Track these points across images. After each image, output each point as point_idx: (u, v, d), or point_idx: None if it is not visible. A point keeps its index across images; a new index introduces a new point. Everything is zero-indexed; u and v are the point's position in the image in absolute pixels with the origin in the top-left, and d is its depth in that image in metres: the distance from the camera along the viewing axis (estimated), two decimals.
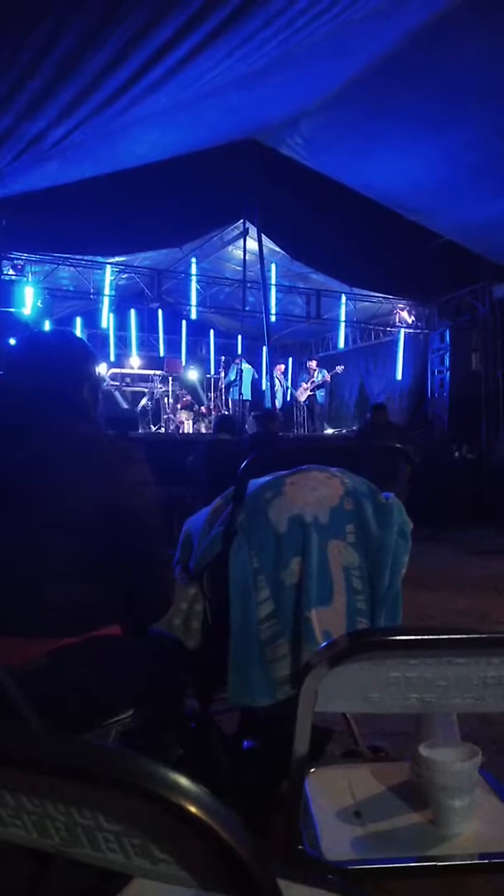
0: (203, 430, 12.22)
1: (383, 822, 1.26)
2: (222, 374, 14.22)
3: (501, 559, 7.10)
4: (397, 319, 13.64)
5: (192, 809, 0.52)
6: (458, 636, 0.99)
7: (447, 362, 12.41)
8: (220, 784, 1.79)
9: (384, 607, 1.90)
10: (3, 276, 10.33)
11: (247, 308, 12.08)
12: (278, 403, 13.67)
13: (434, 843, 1.19)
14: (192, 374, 14.36)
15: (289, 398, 14.62)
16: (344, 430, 13.84)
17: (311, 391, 13.89)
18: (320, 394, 13.86)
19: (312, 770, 1.42)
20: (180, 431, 12.21)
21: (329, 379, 13.82)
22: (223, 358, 14.58)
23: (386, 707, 1.06)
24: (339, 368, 13.80)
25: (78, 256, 11.01)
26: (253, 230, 11.01)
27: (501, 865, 1.15)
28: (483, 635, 0.99)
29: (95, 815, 0.58)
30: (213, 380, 14.68)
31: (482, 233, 10.63)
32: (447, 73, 7.25)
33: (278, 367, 14.41)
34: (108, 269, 11.82)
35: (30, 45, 5.07)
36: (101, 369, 11.80)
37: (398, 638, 1.01)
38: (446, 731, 1.34)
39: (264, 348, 12.53)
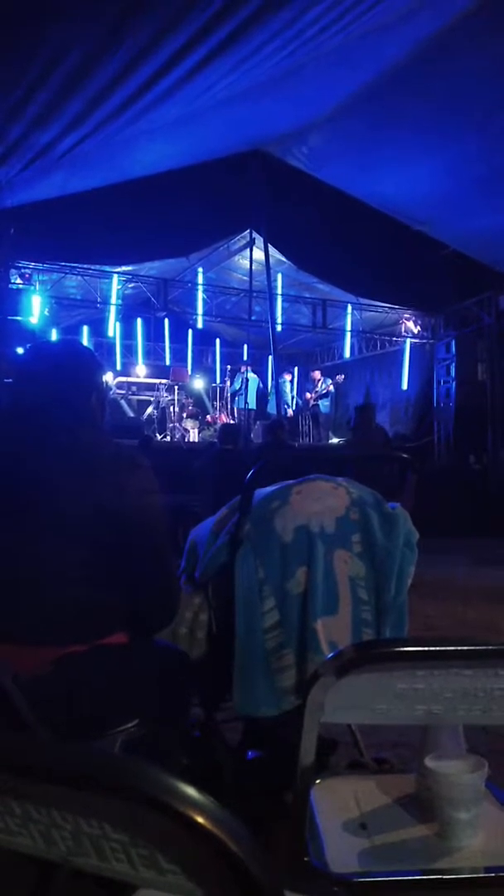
0: (208, 439, 12.23)
1: (389, 834, 1.25)
2: (228, 383, 14.25)
3: None
4: (403, 329, 13.66)
5: (200, 820, 0.51)
6: (466, 648, 0.98)
7: (453, 372, 12.42)
8: (225, 794, 1.79)
9: (390, 618, 1.90)
10: (10, 285, 10.38)
11: (253, 317, 12.11)
12: (290, 411, 13.72)
13: (440, 856, 1.18)
14: (198, 383, 14.39)
15: (294, 407, 14.66)
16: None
17: (314, 401, 13.91)
18: (324, 403, 13.88)
19: (318, 781, 1.41)
20: (186, 440, 12.23)
21: (332, 388, 13.83)
22: (229, 367, 14.63)
23: (392, 718, 1.06)
24: (340, 378, 13.85)
25: (85, 266, 11.08)
26: (259, 240, 11.06)
27: None
28: (490, 647, 0.99)
29: (102, 825, 0.57)
30: (218, 389, 14.72)
31: (488, 243, 10.65)
32: (454, 85, 7.28)
33: (286, 375, 14.45)
34: (115, 278, 11.89)
35: (40, 56, 5.12)
36: (108, 378, 11.85)
37: (406, 649, 1.01)
38: (453, 743, 1.33)
39: (270, 357, 12.55)
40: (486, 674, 0.99)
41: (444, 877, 1.15)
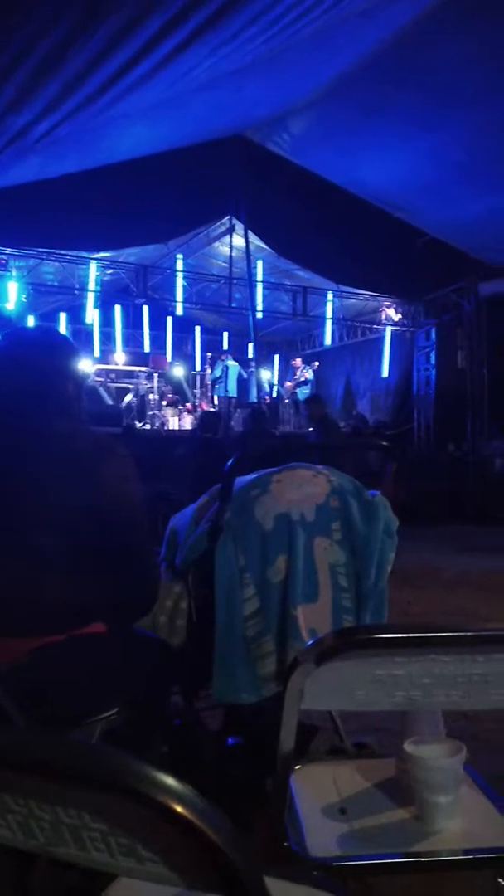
0: (189, 427, 12.20)
1: (368, 818, 1.26)
2: (208, 371, 14.21)
3: (486, 556, 7.15)
4: (383, 317, 13.67)
5: (179, 809, 0.51)
6: (445, 634, 0.99)
7: (433, 360, 12.47)
8: (205, 781, 1.79)
9: (370, 604, 1.91)
10: None
11: (233, 304, 12.07)
12: (267, 399, 13.75)
13: (418, 840, 1.20)
14: (178, 371, 14.33)
15: (275, 395, 14.68)
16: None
17: (293, 389, 13.93)
18: (303, 391, 13.89)
19: (298, 767, 1.42)
20: (165, 428, 12.19)
21: (309, 376, 13.85)
22: (209, 354, 14.57)
23: (372, 704, 1.06)
24: (315, 365, 13.90)
25: (62, 252, 10.95)
26: (239, 227, 11.00)
27: (485, 861, 1.16)
28: (469, 633, 1.00)
29: (81, 814, 0.57)
30: (198, 376, 14.66)
31: (468, 231, 10.68)
32: (434, 73, 7.27)
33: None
34: (93, 264, 11.77)
35: (16, 38, 5.03)
36: (86, 365, 11.76)
37: (385, 636, 1.01)
38: (431, 728, 1.34)
39: (250, 345, 12.53)
40: (465, 660, 1.00)
41: (423, 859, 1.17)
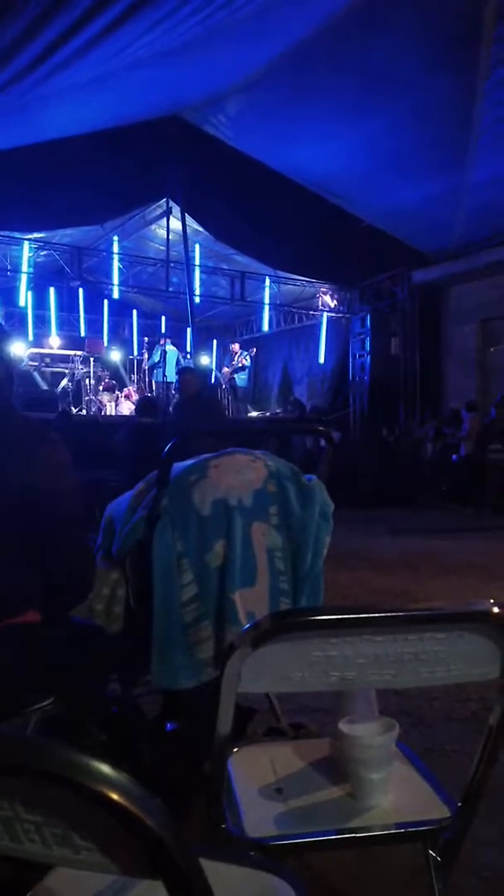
0: (126, 413, 12.05)
1: (304, 797, 1.28)
2: (146, 356, 14.04)
3: (416, 538, 7.32)
4: (320, 303, 13.77)
5: (114, 796, 0.51)
6: (377, 615, 1.01)
7: (367, 346, 12.65)
8: (143, 767, 1.79)
9: (306, 587, 1.93)
10: None
11: (170, 289, 11.95)
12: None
13: (353, 816, 1.23)
14: (115, 355, 14.11)
15: (213, 381, 14.63)
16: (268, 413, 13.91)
17: (231, 375, 13.93)
18: (240, 377, 13.89)
19: (235, 749, 1.43)
20: (102, 413, 12.01)
21: (246, 362, 13.86)
22: (146, 339, 14.38)
23: (308, 685, 1.08)
24: (253, 351, 13.94)
25: None
26: (176, 209, 10.87)
27: (417, 834, 1.20)
28: (400, 614, 1.02)
29: (14, 806, 0.56)
30: (136, 361, 14.48)
31: (402, 219, 10.83)
32: (369, 61, 7.32)
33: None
34: (26, 244, 11.47)
35: None
36: (19, 349, 11.47)
37: (319, 618, 1.02)
38: (365, 707, 1.37)
39: (188, 330, 12.44)
40: (396, 639, 1.02)
41: (357, 835, 1.20)
